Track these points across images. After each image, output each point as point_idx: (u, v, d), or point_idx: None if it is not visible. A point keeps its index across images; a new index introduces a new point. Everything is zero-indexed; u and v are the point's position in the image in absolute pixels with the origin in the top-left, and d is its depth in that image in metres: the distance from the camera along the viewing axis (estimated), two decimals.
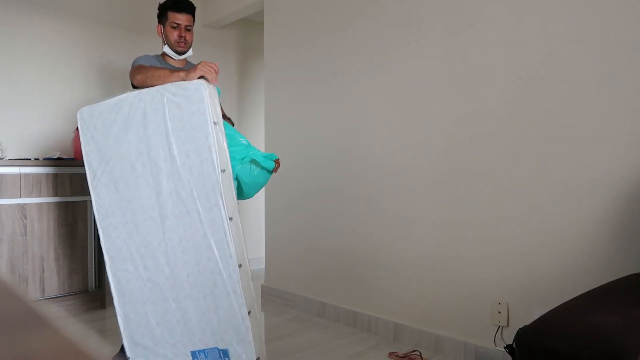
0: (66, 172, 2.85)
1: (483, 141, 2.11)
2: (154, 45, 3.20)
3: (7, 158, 2.82)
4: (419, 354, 2.21)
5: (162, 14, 2.18)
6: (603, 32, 1.77)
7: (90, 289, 2.93)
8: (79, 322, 2.72)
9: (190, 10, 2.18)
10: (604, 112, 1.77)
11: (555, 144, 1.89)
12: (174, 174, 1.79)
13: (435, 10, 2.28)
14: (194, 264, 1.82)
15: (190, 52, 2.21)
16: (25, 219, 2.70)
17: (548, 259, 1.90)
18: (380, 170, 2.53)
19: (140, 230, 1.84)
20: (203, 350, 1.82)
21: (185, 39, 2.16)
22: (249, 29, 4.27)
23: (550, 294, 1.87)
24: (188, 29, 2.17)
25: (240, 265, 1.80)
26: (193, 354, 1.82)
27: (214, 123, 1.77)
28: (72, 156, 3.12)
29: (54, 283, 2.79)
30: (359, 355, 2.24)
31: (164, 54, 2.22)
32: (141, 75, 1.97)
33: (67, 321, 2.76)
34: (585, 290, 1.40)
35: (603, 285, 1.40)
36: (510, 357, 1.20)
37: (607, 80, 1.76)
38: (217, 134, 1.78)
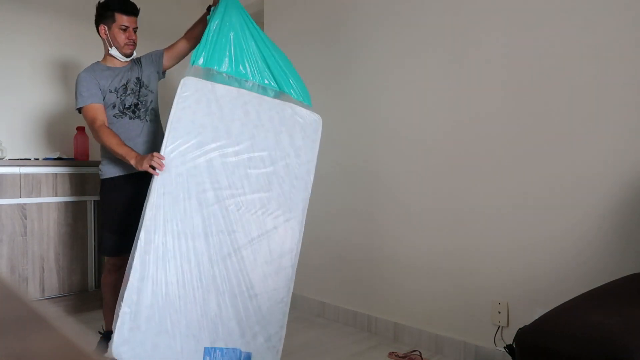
0: (66, 172, 2.85)
1: (483, 141, 2.11)
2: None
3: (7, 158, 2.83)
4: (419, 354, 2.21)
5: (107, 15, 2.11)
6: (601, 31, 1.77)
7: (90, 289, 2.93)
8: (79, 322, 2.72)
9: (138, 12, 2.16)
10: (604, 112, 1.77)
11: (556, 144, 1.89)
12: (264, 177, 1.91)
13: (437, 10, 2.28)
14: (251, 262, 1.83)
15: (134, 53, 2.20)
16: (25, 219, 2.70)
17: (548, 259, 1.90)
18: (380, 171, 2.53)
19: (203, 212, 1.78)
20: (220, 349, 1.74)
21: (134, 41, 2.15)
22: None
23: (550, 294, 1.87)
24: (135, 30, 2.15)
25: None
26: (207, 349, 1.73)
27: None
28: (72, 156, 3.12)
29: (54, 283, 2.79)
30: (359, 355, 2.24)
31: (105, 57, 2.18)
32: (99, 136, 2.01)
33: (67, 321, 2.76)
34: (585, 290, 1.40)
35: (603, 285, 1.40)
36: (510, 357, 1.20)
37: (607, 79, 1.76)
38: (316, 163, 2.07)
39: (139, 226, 1.74)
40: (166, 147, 1.79)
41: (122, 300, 1.66)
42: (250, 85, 1.98)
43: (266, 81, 2.03)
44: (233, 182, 1.84)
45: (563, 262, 1.85)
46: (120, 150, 1.94)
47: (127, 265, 1.72)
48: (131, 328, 1.64)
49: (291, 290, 1.93)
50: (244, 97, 1.92)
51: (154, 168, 1.78)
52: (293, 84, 2.09)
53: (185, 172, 1.79)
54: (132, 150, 1.94)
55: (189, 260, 1.74)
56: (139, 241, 1.70)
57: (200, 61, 1.89)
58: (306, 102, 2.11)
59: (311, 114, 2.06)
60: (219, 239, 1.79)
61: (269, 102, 1.97)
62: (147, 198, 1.77)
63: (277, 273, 1.88)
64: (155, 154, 1.79)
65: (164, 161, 1.78)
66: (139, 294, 1.67)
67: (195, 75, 1.85)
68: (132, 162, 1.88)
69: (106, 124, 2.05)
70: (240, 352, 1.76)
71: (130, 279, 1.66)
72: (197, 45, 1.97)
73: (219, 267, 1.77)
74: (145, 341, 1.65)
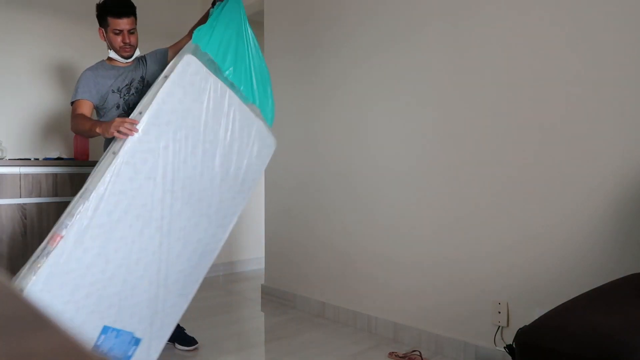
0: (66, 172, 2.85)
1: (481, 141, 2.10)
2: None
3: (7, 158, 2.82)
4: (419, 354, 2.21)
5: (102, 18, 2.07)
6: (602, 30, 1.77)
7: None
8: None
9: (132, 12, 2.07)
10: (604, 111, 1.77)
11: (554, 144, 1.89)
12: (217, 181, 1.96)
13: (436, 10, 2.28)
14: (175, 255, 1.86)
15: (137, 52, 2.17)
16: (25, 219, 2.70)
17: (548, 259, 1.90)
18: (379, 170, 2.53)
19: (152, 195, 1.75)
20: (117, 330, 1.73)
21: (129, 44, 2.10)
22: None
23: (550, 294, 1.87)
24: (131, 32, 2.09)
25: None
26: (105, 328, 1.70)
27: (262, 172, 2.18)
28: (72, 156, 3.12)
29: None
30: (359, 355, 2.24)
31: (110, 57, 2.16)
32: (73, 124, 2.02)
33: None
34: (585, 290, 1.40)
35: (603, 285, 1.40)
36: (510, 357, 1.21)
37: (607, 78, 1.76)
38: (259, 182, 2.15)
39: (88, 187, 1.65)
40: (148, 117, 1.71)
41: (45, 257, 1.55)
42: (230, 84, 1.99)
43: (245, 91, 2.05)
44: (189, 177, 1.85)
45: (563, 262, 1.85)
46: (86, 125, 1.89)
47: (60, 224, 1.60)
48: (41, 290, 1.54)
49: (195, 290, 2.00)
50: (231, 99, 1.96)
51: (122, 133, 1.67)
52: (269, 101, 2.15)
53: (156, 150, 1.74)
54: (97, 120, 1.92)
55: (122, 237, 1.68)
56: (87, 203, 1.60)
57: (202, 42, 1.90)
58: (269, 122, 2.17)
59: (270, 137, 2.13)
60: (156, 226, 1.77)
61: (246, 112, 2.02)
62: (106, 159, 1.71)
63: (191, 272, 1.95)
64: (127, 119, 1.69)
65: (137, 126, 1.69)
66: (67, 257, 1.57)
67: (195, 56, 1.84)
68: (99, 130, 1.79)
69: (85, 115, 2.03)
70: (132, 336, 1.78)
71: (64, 240, 1.56)
72: (201, 25, 1.94)
73: (146, 252, 1.76)
74: (49, 307, 1.57)
